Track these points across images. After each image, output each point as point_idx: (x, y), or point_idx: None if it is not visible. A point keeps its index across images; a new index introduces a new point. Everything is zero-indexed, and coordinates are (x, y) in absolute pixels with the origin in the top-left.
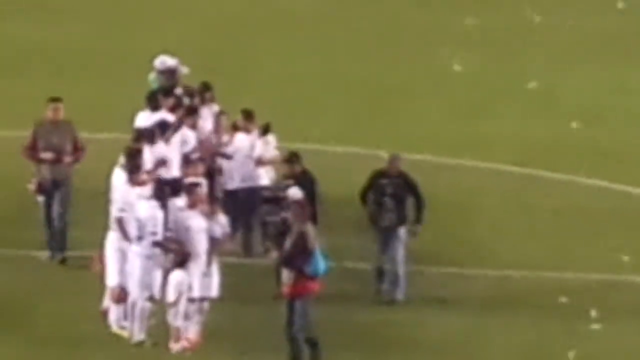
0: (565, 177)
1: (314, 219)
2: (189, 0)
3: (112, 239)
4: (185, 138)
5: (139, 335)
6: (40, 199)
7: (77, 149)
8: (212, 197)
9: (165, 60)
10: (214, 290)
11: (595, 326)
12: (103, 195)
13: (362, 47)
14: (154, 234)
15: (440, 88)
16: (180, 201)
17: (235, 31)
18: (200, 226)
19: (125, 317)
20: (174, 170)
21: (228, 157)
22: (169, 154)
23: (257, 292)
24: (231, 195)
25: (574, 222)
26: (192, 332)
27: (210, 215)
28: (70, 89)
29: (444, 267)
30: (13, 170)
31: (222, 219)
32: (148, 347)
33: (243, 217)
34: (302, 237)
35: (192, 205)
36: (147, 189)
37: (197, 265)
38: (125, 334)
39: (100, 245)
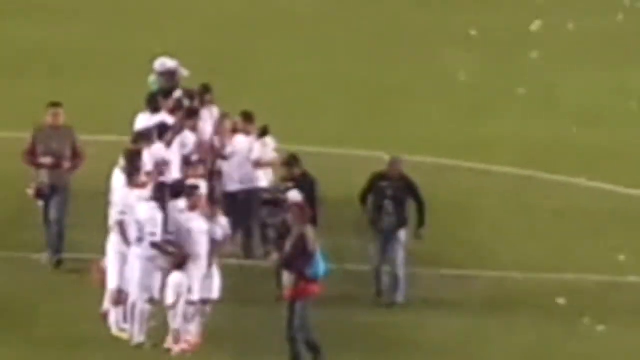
0: (565, 178)
1: (314, 221)
2: (189, 1)
3: (113, 241)
4: (185, 140)
5: (138, 337)
6: (40, 203)
7: (76, 156)
8: (212, 199)
9: (165, 62)
10: (215, 292)
11: (595, 327)
12: (103, 197)
13: (362, 47)
14: (153, 234)
15: (440, 89)
16: (180, 203)
17: (235, 32)
18: (201, 228)
19: (125, 320)
20: (174, 173)
21: (224, 157)
22: (168, 156)
23: (257, 293)
24: (230, 197)
25: (573, 223)
26: (192, 333)
27: (210, 217)
28: (70, 89)
29: (443, 269)
30: (13, 171)
31: (223, 221)
32: (148, 349)
33: (243, 219)
34: (302, 240)
35: (192, 208)
36: (147, 191)
37: (198, 268)
38: (125, 336)
39: (99, 251)
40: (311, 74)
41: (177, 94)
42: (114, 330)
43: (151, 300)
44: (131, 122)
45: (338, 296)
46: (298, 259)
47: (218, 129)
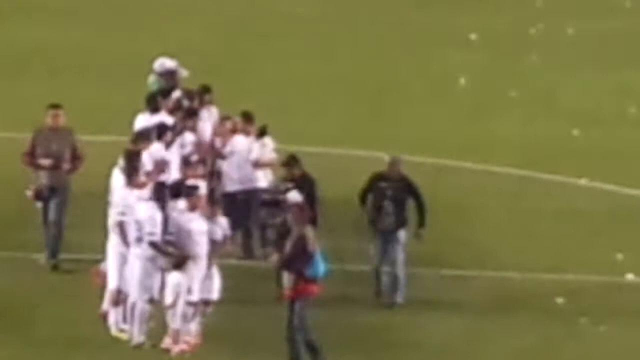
0: (565, 178)
1: (313, 221)
2: (189, 2)
3: (113, 242)
4: (184, 140)
5: (138, 338)
6: (39, 204)
7: (76, 158)
8: (212, 199)
9: (164, 63)
10: (215, 293)
11: (595, 327)
12: (102, 197)
13: (362, 47)
14: (152, 234)
15: (440, 90)
16: (180, 204)
17: (235, 32)
18: (201, 229)
19: (124, 320)
20: (173, 173)
21: (222, 157)
22: (168, 157)
23: (257, 293)
24: (230, 197)
25: (573, 224)
26: (191, 334)
27: (210, 218)
28: (70, 90)
29: (444, 269)
30: (13, 172)
31: (223, 221)
32: (147, 349)
33: (242, 219)
34: (302, 240)
35: (192, 208)
36: (146, 191)
37: (198, 268)
38: (124, 336)
39: (99, 251)
40: (311, 74)
41: (177, 94)
42: (114, 331)
43: (151, 301)
44: (130, 123)
45: (338, 296)
46: (298, 259)
47: (218, 131)
